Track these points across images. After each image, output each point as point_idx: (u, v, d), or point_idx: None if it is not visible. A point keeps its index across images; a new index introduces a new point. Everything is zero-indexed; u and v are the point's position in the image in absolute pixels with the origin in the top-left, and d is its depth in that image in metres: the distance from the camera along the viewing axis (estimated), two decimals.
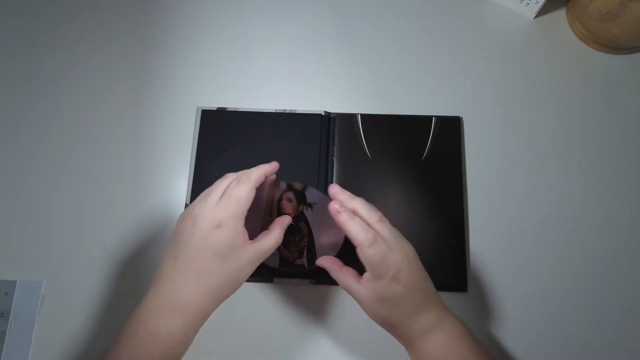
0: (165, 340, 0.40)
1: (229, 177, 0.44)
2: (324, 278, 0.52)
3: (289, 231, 0.47)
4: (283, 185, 0.50)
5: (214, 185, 0.44)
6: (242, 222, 0.41)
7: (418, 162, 0.56)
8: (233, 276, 0.41)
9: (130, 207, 0.56)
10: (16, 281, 0.52)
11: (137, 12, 0.65)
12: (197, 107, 0.60)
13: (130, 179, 0.57)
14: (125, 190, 0.57)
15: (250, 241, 0.42)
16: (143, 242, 0.55)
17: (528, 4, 0.62)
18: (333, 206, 0.43)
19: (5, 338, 0.50)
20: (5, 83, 0.62)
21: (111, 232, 0.55)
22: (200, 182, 0.56)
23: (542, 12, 0.62)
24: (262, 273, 0.52)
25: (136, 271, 0.54)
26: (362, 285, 0.42)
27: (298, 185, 0.50)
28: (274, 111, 0.59)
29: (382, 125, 0.58)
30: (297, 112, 0.59)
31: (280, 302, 0.53)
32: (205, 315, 0.42)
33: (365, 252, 0.41)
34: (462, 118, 0.59)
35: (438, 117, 0.58)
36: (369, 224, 0.42)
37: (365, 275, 0.42)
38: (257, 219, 0.48)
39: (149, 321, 0.40)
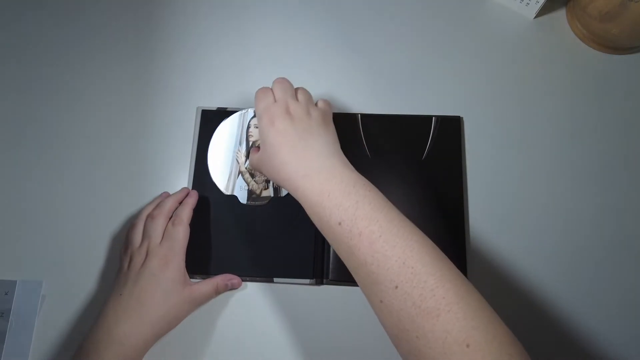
0: None
1: (159, 218, 0.50)
2: (326, 278, 0.53)
3: None
4: (251, 112, 0.57)
5: (150, 228, 0.50)
6: (184, 259, 0.49)
7: (418, 161, 0.56)
8: (172, 310, 0.47)
9: (131, 207, 0.56)
10: (16, 281, 0.52)
11: (138, 13, 0.65)
12: (197, 107, 0.60)
13: (130, 179, 0.57)
14: (125, 190, 0.57)
15: (190, 282, 0.50)
16: None
17: (528, 4, 0.62)
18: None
19: (5, 338, 0.50)
20: (6, 84, 0.62)
21: (111, 232, 0.55)
22: (201, 182, 0.56)
23: (542, 12, 0.62)
24: (259, 272, 0.53)
25: None
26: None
27: None
28: None
29: (382, 125, 0.58)
30: None
31: (280, 302, 0.53)
32: (145, 345, 0.46)
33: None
34: (462, 118, 0.59)
35: (438, 117, 0.58)
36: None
37: None
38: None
39: (91, 354, 0.44)
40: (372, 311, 0.51)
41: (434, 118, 0.58)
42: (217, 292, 0.51)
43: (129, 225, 0.53)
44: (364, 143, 0.57)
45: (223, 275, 0.52)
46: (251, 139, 0.56)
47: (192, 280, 0.52)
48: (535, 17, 0.63)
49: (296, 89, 0.51)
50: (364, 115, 0.58)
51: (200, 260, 0.53)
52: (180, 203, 0.53)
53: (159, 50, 0.63)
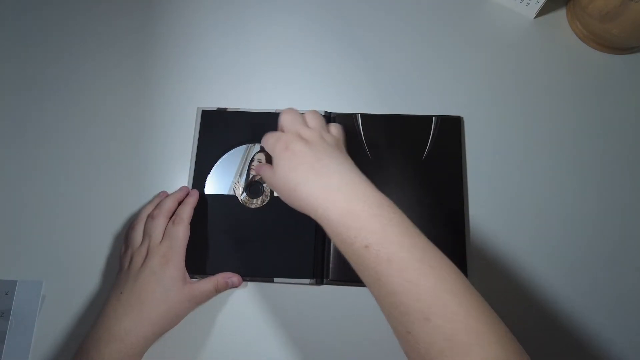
0: None
1: (159, 217, 0.50)
2: (325, 278, 0.53)
3: (252, 192, 0.55)
4: (257, 146, 0.57)
5: (150, 228, 0.50)
6: (184, 257, 0.49)
7: (418, 161, 0.56)
8: (172, 308, 0.47)
9: (131, 207, 0.56)
10: (16, 281, 0.52)
11: (139, 13, 0.65)
12: (198, 108, 0.60)
13: (130, 180, 0.57)
14: (125, 190, 0.57)
15: (190, 280, 0.50)
16: None
17: (528, 4, 0.62)
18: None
19: (6, 338, 0.50)
20: (6, 83, 0.62)
21: (111, 232, 0.55)
22: (201, 182, 0.56)
23: (542, 12, 0.62)
24: (259, 272, 0.53)
25: None
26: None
27: None
28: (274, 111, 0.59)
29: (382, 125, 0.58)
30: None
31: (280, 302, 0.53)
32: (146, 342, 0.46)
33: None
34: (462, 118, 0.59)
35: (438, 117, 0.58)
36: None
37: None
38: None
39: (91, 351, 0.44)
40: (372, 311, 0.51)
41: (434, 118, 0.58)
42: (217, 290, 0.51)
43: (129, 225, 0.53)
44: (364, 143, 0.57)
45: (223, 273, 0.52)
46: (252, 172, 0.56)
47: (192, 279, 0.52)
48: (535, 17, 0.63)
49: (306, 114, 0.49)
50: (364, 115, 0.58)
51: (200, 260, 0.53)
52: (180, 202, 0.53)
53: (159, 50, 0.63)
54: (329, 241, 0.53)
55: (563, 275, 0.53)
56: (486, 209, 0.55)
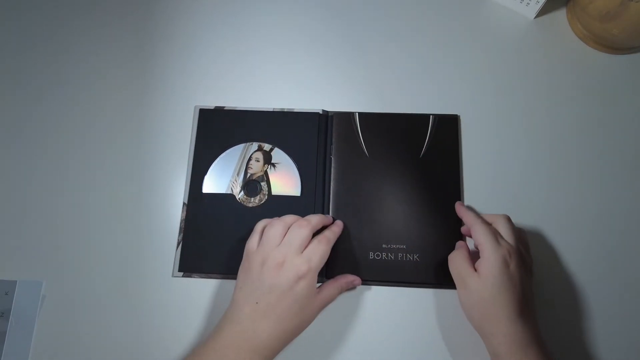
0: None
1: (306, 229, 0.49)
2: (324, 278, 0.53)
3: (250, 190, 0.55)
4: (255, 145, 0.57)
5: (293, 235, 0.49)
6: (317, 274, 0.49)
7: (416, 160, 0.56)
8: (304, 321, 0.48)
9: (129, 206, 0.56)
10: (16, 281, 0.53)
11: (136, 12, 0.65)
12: (195, 106, 0.60)
13: (128, 178, 0.57)
14: (123, 189, 0.57)
15: (317, 290, 0.49)
16: (141, 241, 0.55)
17: (528, 4, 0.61)
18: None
19: (5, 338, 0.50)
20: (5, 83, 0.62)
21: (110, 231, 0.55)
22: (198, 181, 0.56)
23: (542, 12, 0.62)
24: None
25: (135, 270, 0.54)
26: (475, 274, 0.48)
27: (267, 147, 0.57)
28: (271, 110, 0.59)
29: (379, 124, 0.58)
30: (295, 110, 0.59)
31: None
32: (277, 354, 0.47)
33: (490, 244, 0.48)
34: (459, 117, 0.59)
35: (436, 116, 0.58)
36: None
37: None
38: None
39: (231, 356, 0.45)
40: (371, 311, 0.52)
41: (431, 117, 0.58)
42: (341, 292, 0.52)
43: (266, 220, 0.51)
44: (362, 141, 0.57)
45: (343, 277, 0.52)
46: (250, 171, 0.56)
47: (193, 277, 0.52)
48: (535, 17, 0.63)
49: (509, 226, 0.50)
50: (361, 114, 0.58)
51: (198, 258, 0.53)
52: (325, 226, 0.52)
53: (157, 49, 0.63)
54: None
55: (560, 272, 0.53)
56: (483, 208, 0.55)
